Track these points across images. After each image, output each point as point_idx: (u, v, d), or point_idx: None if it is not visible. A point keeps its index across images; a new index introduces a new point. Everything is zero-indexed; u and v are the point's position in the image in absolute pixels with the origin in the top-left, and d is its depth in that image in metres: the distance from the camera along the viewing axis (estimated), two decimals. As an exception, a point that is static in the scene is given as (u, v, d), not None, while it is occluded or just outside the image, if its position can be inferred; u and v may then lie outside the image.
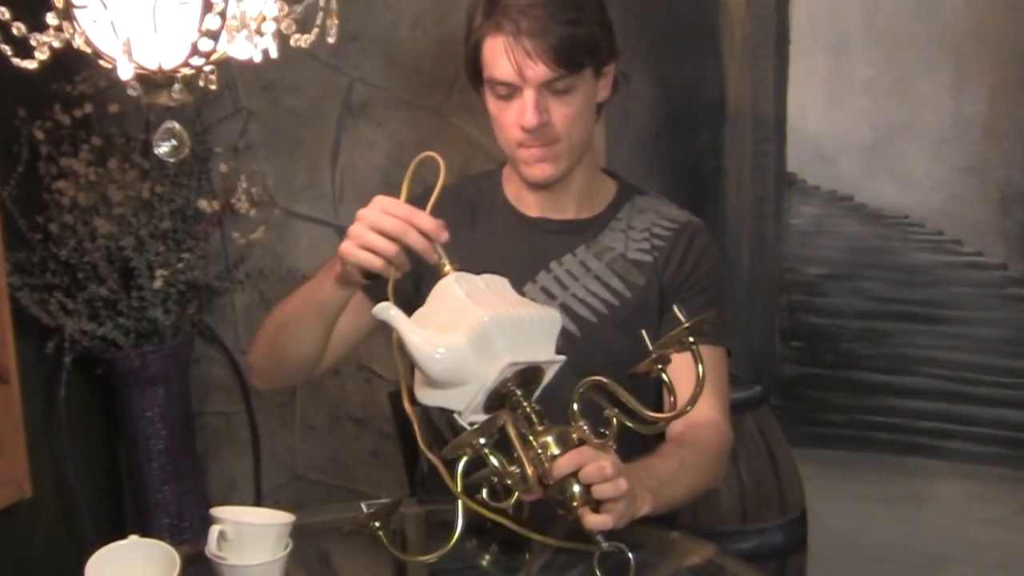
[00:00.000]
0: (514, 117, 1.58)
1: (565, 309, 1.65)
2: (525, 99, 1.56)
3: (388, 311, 1.29)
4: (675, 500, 1.50)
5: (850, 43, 2.35)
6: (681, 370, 1.32)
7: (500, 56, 1.55)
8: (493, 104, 1.62)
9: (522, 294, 1.60)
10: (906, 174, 2.35)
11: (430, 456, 1.43)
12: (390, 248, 1.38)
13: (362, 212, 1.41)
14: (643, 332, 1.28)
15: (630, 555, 1.32)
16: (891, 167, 2.36)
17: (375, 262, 1.40)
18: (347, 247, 1.42)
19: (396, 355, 1.39)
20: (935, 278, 2.37)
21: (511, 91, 1.57)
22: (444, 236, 1.39)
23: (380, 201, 1.41)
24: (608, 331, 1.65)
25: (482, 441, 1.32)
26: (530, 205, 1.72)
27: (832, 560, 2.39)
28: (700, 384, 1.28)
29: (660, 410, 1.38)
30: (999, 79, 2.27)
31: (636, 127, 2.51)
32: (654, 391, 1.61)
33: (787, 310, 2.49)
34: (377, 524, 1.35)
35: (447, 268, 1.37)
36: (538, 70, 1.54)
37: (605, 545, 1.31)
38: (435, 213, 1.40)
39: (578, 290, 1.67)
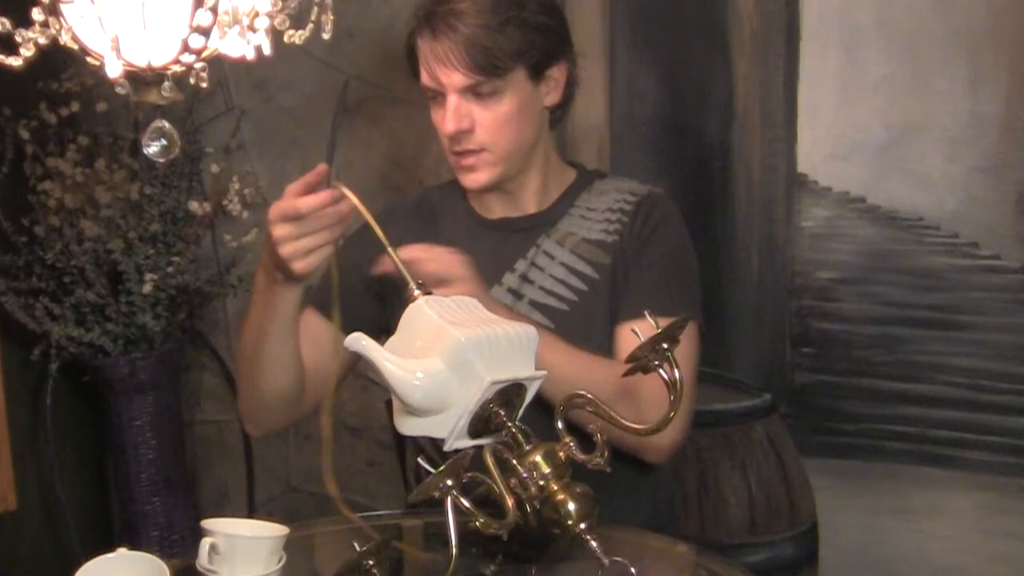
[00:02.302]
0: (441, 123, 1.63)
1: (535, 304, 1.66)
2: (447, 104, 1.60)
3: (360, 341, 1.27)
4: (564, 378, 1.43)
5: (863, 39, 2.36)
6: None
7: (423, 62, 1.61)
8: (431, 109, 1.66)
9: None
10: (921, 175, 2.36)
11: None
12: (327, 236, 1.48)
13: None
14: (635, 330, 1.26)
15: (633, 570, 1.30)
16: (905, 167, 2.37)
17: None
18: (286, 250, 1.45)
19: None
20: (951, 282, 2.38)
21: (438, 96, 1.62)
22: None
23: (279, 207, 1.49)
24: (582, 317, 1.66)
25: (449, 483, 1.29)
26: (491, 208, 1.75)
27: (844, 574, 2.40)
28: (678, 392, 1.26)
29: None
30: (1016, 76, 2.27)
31: (642, 126, 2.52)
32: None
33: (798, 316, 2.49)
34: (371, 562, 1.32)
35: (415, 292, 1.36)
36: (453, 76, 1.57)
37: (607, 562, 1.28)
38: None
39: (545, 281, 1.68)
